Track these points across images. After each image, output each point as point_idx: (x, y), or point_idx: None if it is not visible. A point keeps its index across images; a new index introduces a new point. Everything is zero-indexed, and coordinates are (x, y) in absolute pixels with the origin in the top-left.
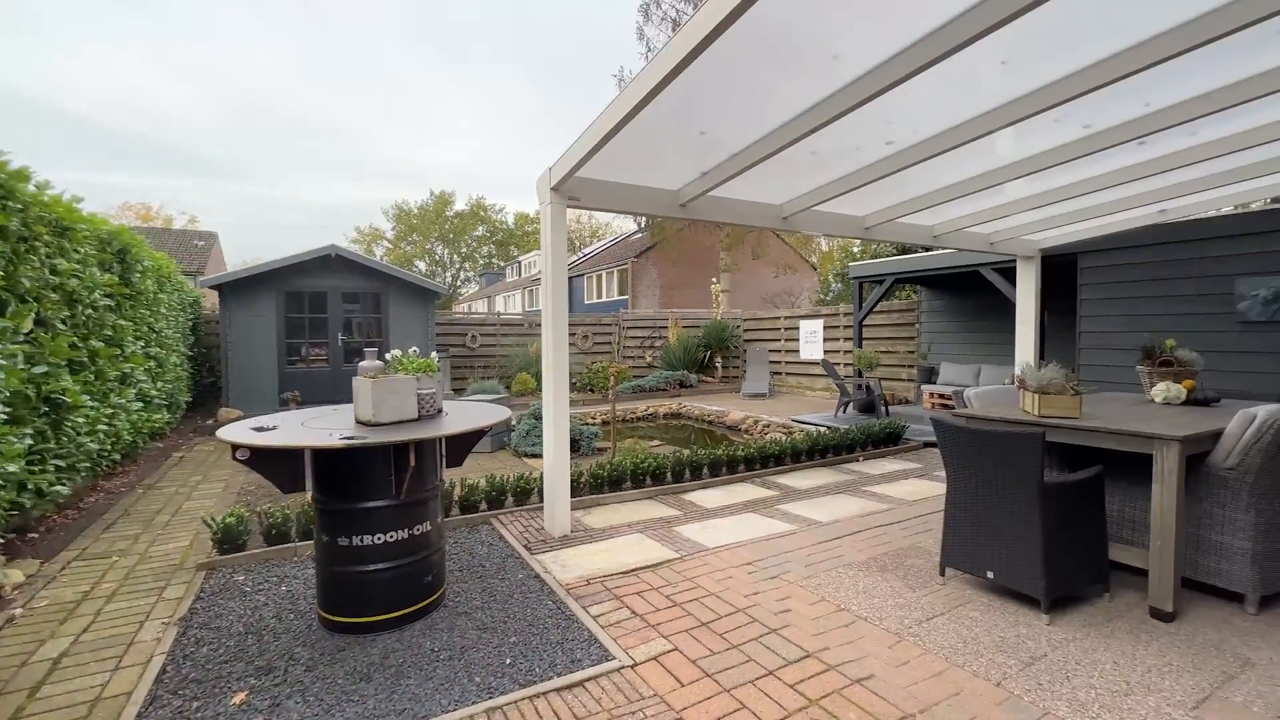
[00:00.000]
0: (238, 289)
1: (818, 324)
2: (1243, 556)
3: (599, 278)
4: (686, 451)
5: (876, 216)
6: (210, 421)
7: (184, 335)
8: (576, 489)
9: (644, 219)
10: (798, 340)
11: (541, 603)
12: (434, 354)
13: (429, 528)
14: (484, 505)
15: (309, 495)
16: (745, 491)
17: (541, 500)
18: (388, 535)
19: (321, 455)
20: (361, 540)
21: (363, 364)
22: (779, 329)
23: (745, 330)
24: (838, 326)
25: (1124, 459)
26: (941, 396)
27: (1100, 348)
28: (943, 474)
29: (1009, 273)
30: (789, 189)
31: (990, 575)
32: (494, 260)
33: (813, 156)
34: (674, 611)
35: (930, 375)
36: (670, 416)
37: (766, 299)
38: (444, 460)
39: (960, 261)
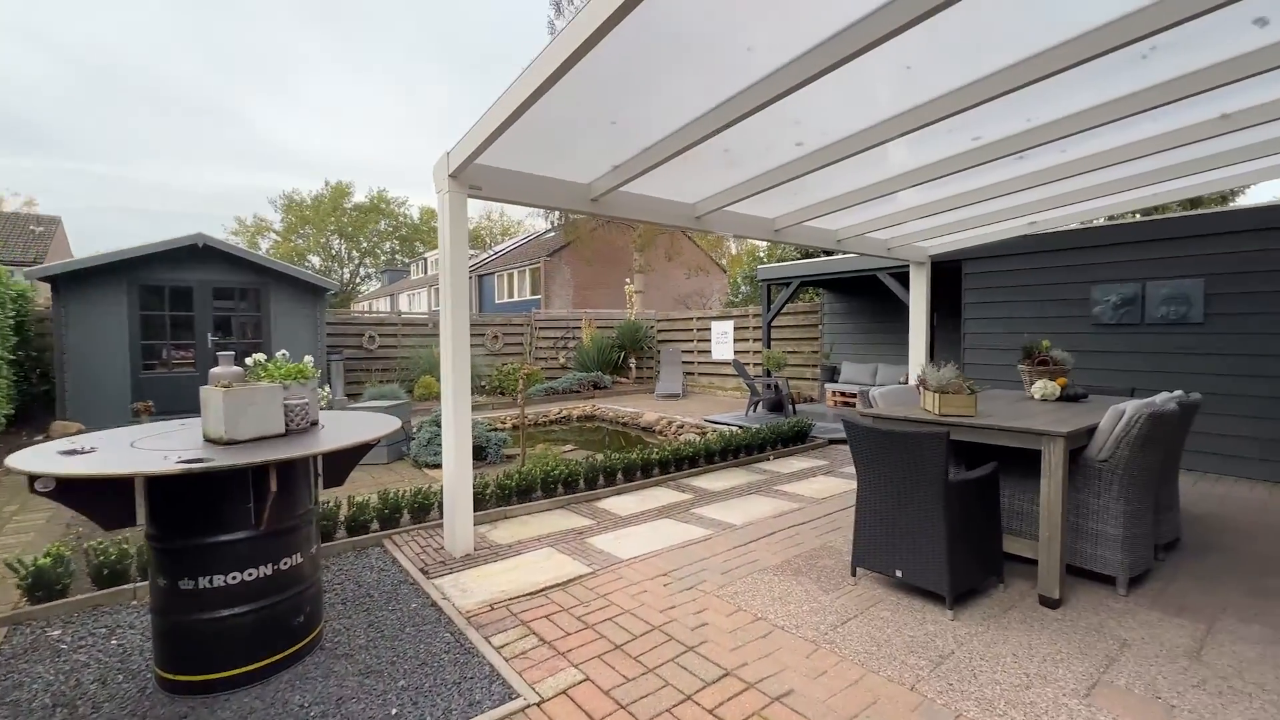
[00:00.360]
0: (78, 282)
1: (728, 325)
2: (1115, 542)
3: (510, 276)
4: (600, 456)
5: (785, 219)
6: (40, 437)
7: (2, 335)
8: (481, 501)
9: (556, 217)
10: (710, 341)
11: (437, 635)
12: (308, 358)
13: (300, 559)
14: (375, 525)
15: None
16: (660, 496)
17: (442, 516)
18: (245, 573)
19: (157, 484)
20: (211, 582)
21: (214, 370)
22: (691, 330)
23: (659, 331)
24: (747, 328)
25: (1012, 454)
26: (843, 394)
27: (982, 348)
28: (848, 470)
29: (903, 277)
30: (702, 187)
31: (899, 574)
32: (397, 257)
33: (725, 154)
34: (586, 635)
35: (833, 374)
36: (584, 419)
37: (679, 300)
38: (320, 480)
39: (859, 266)
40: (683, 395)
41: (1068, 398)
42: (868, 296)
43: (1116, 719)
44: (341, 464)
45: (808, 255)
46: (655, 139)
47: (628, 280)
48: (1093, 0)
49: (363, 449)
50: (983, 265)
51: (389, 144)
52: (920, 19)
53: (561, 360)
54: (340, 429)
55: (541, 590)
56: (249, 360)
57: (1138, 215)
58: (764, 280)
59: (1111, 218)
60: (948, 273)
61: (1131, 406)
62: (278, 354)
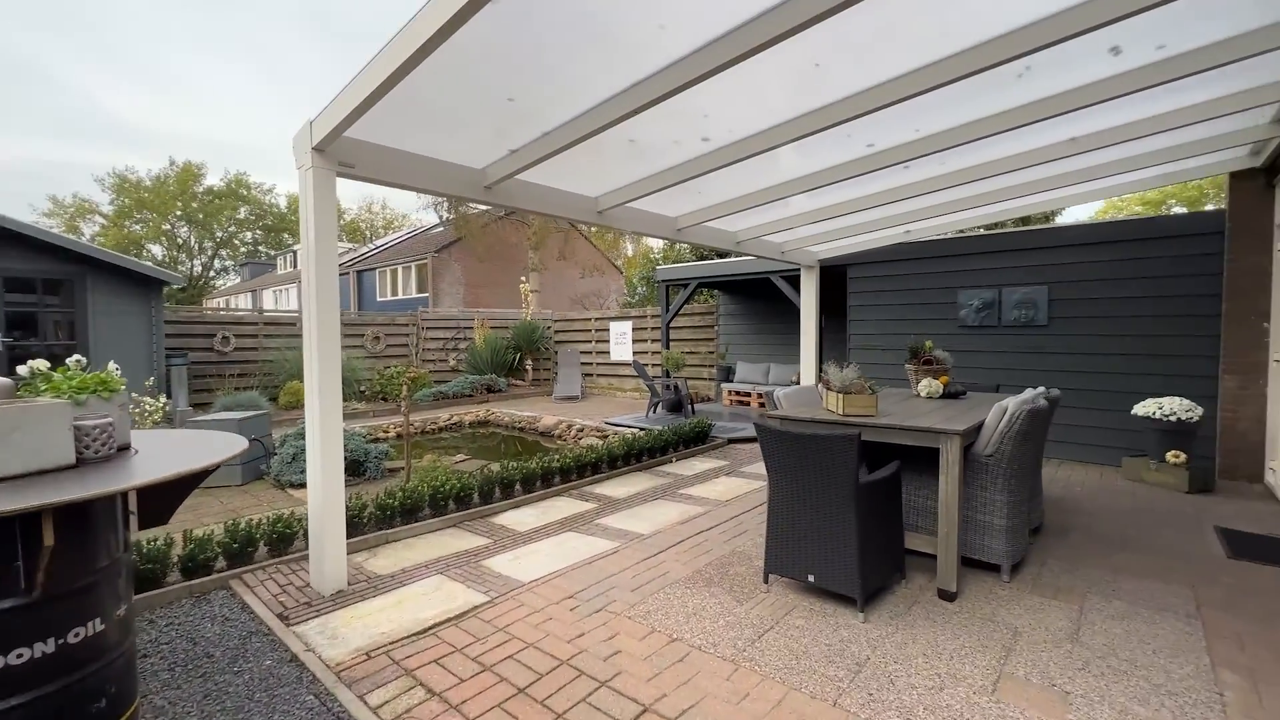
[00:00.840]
0: None
1: (627, 326)
2: (1000, 532)
3: (394, 273)
4: (496, 466)
5: (688, 218)
6: None
7: None
8: (358, 525)
9: (446, 210)
10: (608, 342)
11: (298, 700)
12: (112, 365)
13: (101, 626)
14: (221, 563)
15: None
16: (562, 507)
17: (308, 546)
18: (15, 654)
19: None
20: None
21: None
22: (590, 330)
23: (556, 331)
24: (646, 328)
25: (908, 451)
26: (738, 394)
27: (866, 348)
28: (750, 470)
29: (794, 280)
30: (605, 180)
31: (811, 579)
32: (261, 249)
33: (631, 146)
34: (485, 679)
35: (728, 374)
36: (477, 425)
37: (575, 300)
38: (134, 520)
39: (754, 269)
40: (582, 397)
41: (949, 395)
42: (761, 298)
43: (1023, 712)
44: (164, 498)
45: (703, 257)
46: (557, 123)
47: (523, 279)
48: (983, 14)
49: (192, 480)
50: (865, 270)
51: (251, 123)
52: (838, 9)
53: (452, 362)
54: (163, 454)
55: (430, 629)
56: (23, 368)
57: (1010, 224)
58: (662, 281)
59: (991, 227)
60: (834, 276)
61: (1013, 403)
62: (109, 365)
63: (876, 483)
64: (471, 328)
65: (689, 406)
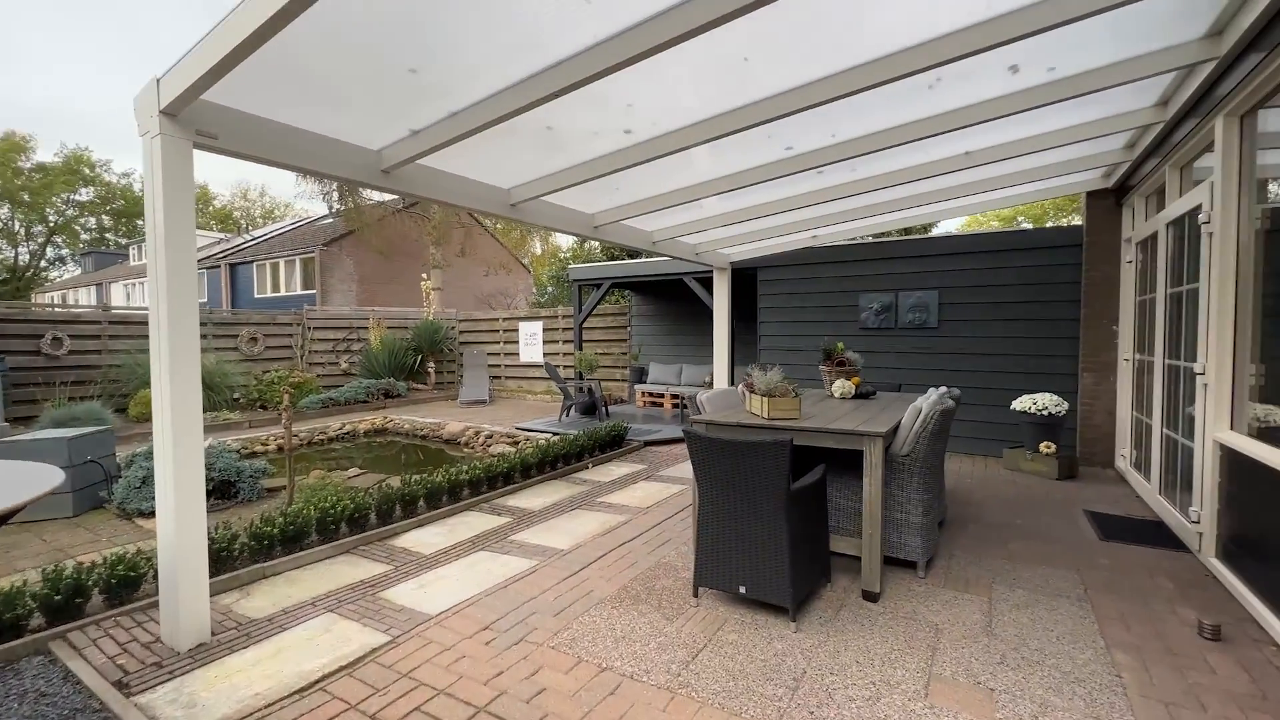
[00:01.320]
0: None
1: (537, 326)
2: (916, 530)
3: (276, 267)
4: (396, 481)
5: (606, 215)
6: None
7: None
8: (226, 560)
9: (336, 199)
10: (518, 343)
11: None
12: None
13: None
14: (37, 620)
15: None
16: (473, 523)
17: (159, 591)
18: None
19: None
20: None
21: None
22: (498, 330)
23: (462, 332)
24: (557, 329)
25: (828, 454)
26: (651, 395)
27: (775, 349)
28: (669, 474)
29: (707, 282)
30: (520, 171)
31: (743, 590)
32: (109, 237)
33: (549, 134)
34: None
35: (641, 375)
36: (374, 434)
37: (482, 299)
38: None
39: (667, 270)
40: (490, 401)
41: (861, 395)
42: (674, 300)
43: (956, 716)
44: None
45: (614, 257)
46: (467, 102)
47: (424, 276)
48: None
49: None
50: (775, 273)
51: (93, 90)
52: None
53: (344, 366)
54: None
55: (317, 683)
56: None
57: (895, 234)
58: (576, 281)
59: (879, 236)
60: (745, 279)
61: (926, 404)
62: None
63: (806, 488)
64: (366, 328)
65: (603, 409)
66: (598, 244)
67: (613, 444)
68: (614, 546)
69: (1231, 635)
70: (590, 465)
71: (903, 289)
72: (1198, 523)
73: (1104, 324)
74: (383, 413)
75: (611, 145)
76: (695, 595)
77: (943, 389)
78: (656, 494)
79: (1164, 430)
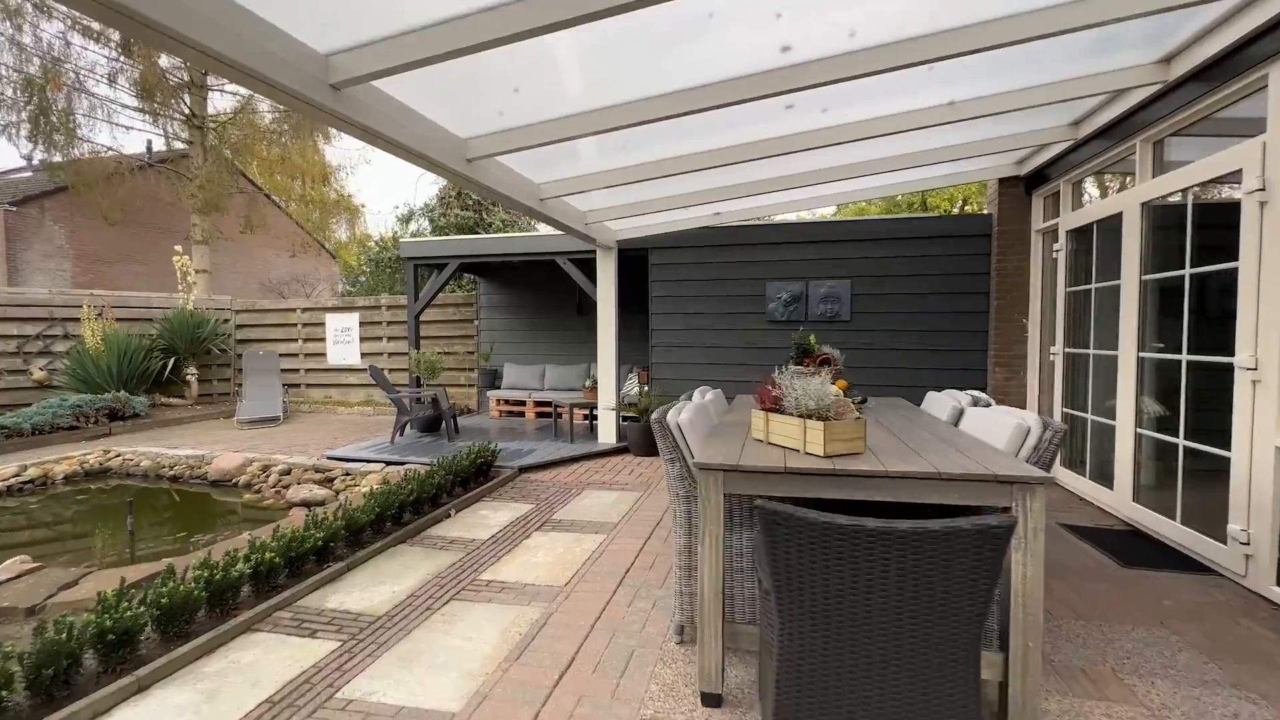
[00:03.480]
0: None
1: (352, 319)
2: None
3: None
4: (107, 581)
5: (479, 144)
6: None
7: None
8: None
9: (40, 144)
10: (324, 340)
11: None
12: None
13: None
14: None
15: None
16: (255, 664)
17: None
18: None
19: None
20: None
21: None
22: (295, 325)
23: (241, 327)
24: (379, 322)
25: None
26: (509, 402)
27: (669, 345)
28: (569, 515)
29: (585, 265)
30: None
31: None
32: None
33: None
34: None
35: (494, 379)
36: (87, 478)
37: (271, 288)
38: None
39: (534, 249)
40: (284, 418)
41: (858, 404)
42: (532, 287)
43: None
44: None
45: (463, 231)
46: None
47: (178, 250)
48: None
49: None
50: (670, 255)
51: None
52: None
53: (37, 374)
54: None
55: None
56: None
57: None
58: (411, 259)
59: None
60: (632, 264)
61: (1036, 421)
62: None
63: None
64: (78, 319)
65: (452, 424)
66: (428, 225)
67: (478, 475)
68: (540, 688)
69: None
70: (453, 513)
71: (813, 277)
72: (1246, 544)
73: (1014, 317)
74: (105, 442)
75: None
76: None
77: (974, 391)
78: (568, 555)
79: (1137, 430)
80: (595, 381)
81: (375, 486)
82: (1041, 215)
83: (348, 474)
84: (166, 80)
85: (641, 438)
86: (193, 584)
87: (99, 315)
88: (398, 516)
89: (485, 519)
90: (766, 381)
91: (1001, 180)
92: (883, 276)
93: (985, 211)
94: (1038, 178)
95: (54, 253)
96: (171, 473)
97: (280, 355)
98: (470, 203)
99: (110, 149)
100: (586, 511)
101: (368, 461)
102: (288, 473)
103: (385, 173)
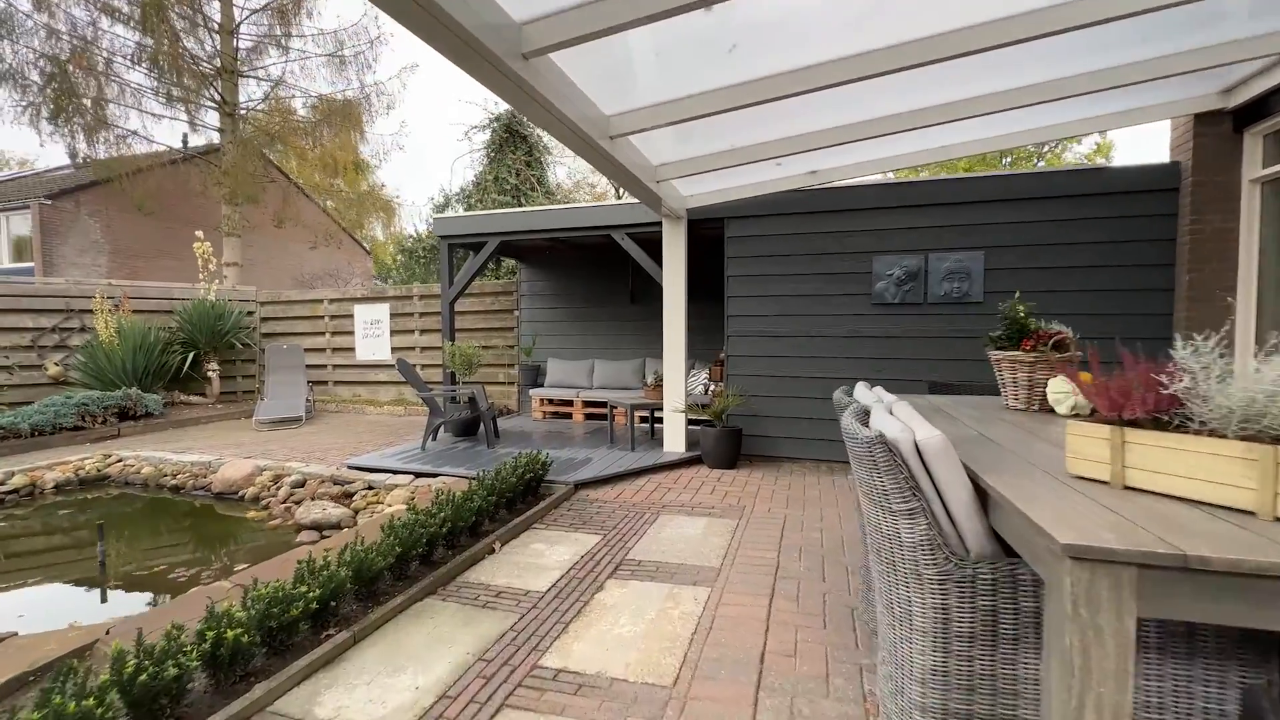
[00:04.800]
0: None
1: (383, 310)
2: None
3: None
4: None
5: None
6: None
7: None
8: None
9: (81, 140)
10: (353, 334)
11: None
12: None
13: None
14: None
15: None
16: None
17: None
18: None
19: None
20: None
21: None
22: (322, 317)
23: (266, 319)
24: (411, 313)
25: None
26: (554, 401)
27: (748, 335)
28: (644, 552)
29: (647, 242)
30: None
31: None
32: None
33: None
34: None
35: (536, 376)
36: (81, 486)
37: (303, 281)
38: None
39: (589, 222)
40: (307, 419)
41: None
42: (579, 273)
43: None
44: None
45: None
46: None
47: (199, 235)
48: None
49: None
50: (751, 227)
51: None
52: None
53: (53, 370)
54: None
55: None
56: None
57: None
58: (445, 238)
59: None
60: (697, 244)
61: None
62: None
63: None
64: (91, 311)
65: (492, 427)
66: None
67: (525, 494)
68: None
69: None
70: (498, 546)
71: (935, 249)
72: None
73: (1216, 296)
74: (111, 444)
75: None
76: None
77: None
78: (663, 622)
79: None
80: (659, 378)
81: (399, 509)
82: (1260, 160)
83: (370, 487)
84: (196, 65)
85: (718, 446)
86: (98, 697)
87: (115, 307)
88: (426, 555)
89: (540, 556)
90: (1123, 365)
91: (1197, 117)
92: (1026, 246)
93: (1169, 161)
94: (1255, 109)
95: (89, 247)
96: (173, 482)
97: (306, 350)
98: (509, 186)
99: (136, 133)
100: (671, 547)
101: (394, 472)
102: (301, 485)
103: (415, 166)
